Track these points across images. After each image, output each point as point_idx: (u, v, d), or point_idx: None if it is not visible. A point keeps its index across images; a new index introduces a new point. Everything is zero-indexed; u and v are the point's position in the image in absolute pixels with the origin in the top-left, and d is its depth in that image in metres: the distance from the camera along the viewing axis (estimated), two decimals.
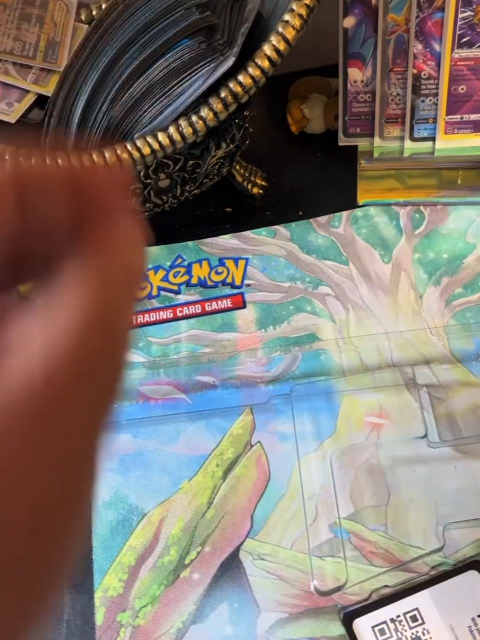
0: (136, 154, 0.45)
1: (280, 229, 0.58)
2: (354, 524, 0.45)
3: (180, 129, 0.46)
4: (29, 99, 0.49)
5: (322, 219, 0.59)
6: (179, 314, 0.55)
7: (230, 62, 0.46)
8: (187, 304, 0.55)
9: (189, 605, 0.44)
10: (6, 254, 0.16)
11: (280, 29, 0.45)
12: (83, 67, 0.47)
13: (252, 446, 0.49)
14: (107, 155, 0.45)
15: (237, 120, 0.51)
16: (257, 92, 0.47)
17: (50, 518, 0.14)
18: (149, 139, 0.46)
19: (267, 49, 0.46)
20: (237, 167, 0.59)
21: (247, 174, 0.61)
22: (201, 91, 0.47)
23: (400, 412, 0.49)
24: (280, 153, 0.65)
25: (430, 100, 0.55)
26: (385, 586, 0.43)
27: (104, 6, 0.53)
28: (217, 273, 0.56)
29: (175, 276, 0.56)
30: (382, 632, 0.40)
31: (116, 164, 0.45)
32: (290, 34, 0.45)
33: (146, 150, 0.46)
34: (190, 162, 0.51)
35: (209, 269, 0.57)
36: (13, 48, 0.49)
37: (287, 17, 0.46)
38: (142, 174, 0.49)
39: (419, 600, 0.41)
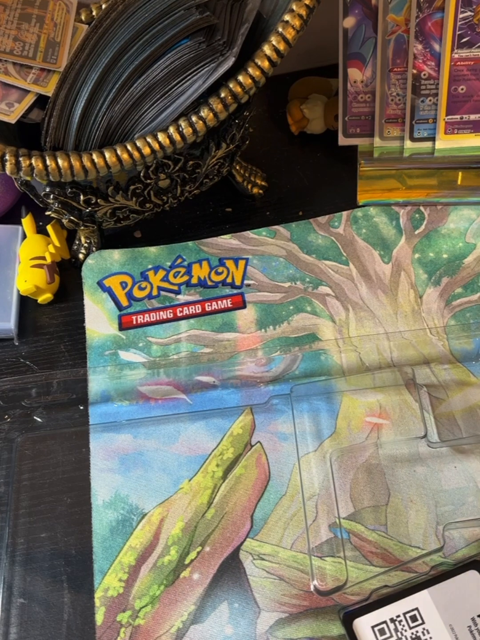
0: (136, 154, 0.45)
1: (280, 229, 0.58)
2: (353, 524, 0.45)
3: (180, 129, 0.46)
4: (29, 99, 0.49)
5: (322, 219, 0.59)
6: (179, 314, 0.55)
7: (230, 62, 0.46)
8: (187, 304, 0.55)
9: (189, 605, 0.44)
10: None
11: (280, 29, 0.45)
12: (83, 67, 0.47)
13: (252, 446, 0.49)
14: (107, 155, 0.45)
15: (237, 121, 0.51)
16: (257, 92, 0.47)
17: None
18: (149, 139, 0.46)
19: (267, 49, 0.46)
20: (237, 167, 0.59)
21: (247, 174, 0.61)
22: (201, 91, 0.47)
23: (400, 412, 0.49)
24: (280, 153, 0.65)
25: (430, 100, 0.55)
26: (385, 586, 0.43)
27: (104, 6, 0.53)
28: (217, 273, 0.56)
29: (175, 276, 0.56)
30: (382, 632, 0.40)
31: (116, 164, 0.45)
32: (290, 34, 0.45)
33: (146, 150, 0.46)
34: (190, 162, 0.51)
35: (209, 269, 0.57)
36: (13, 48, 0.49)
37: (287, 17, 0.46)
38: (142, 174, 0.49)
39: (419, 600, 0.41)
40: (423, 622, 0.40)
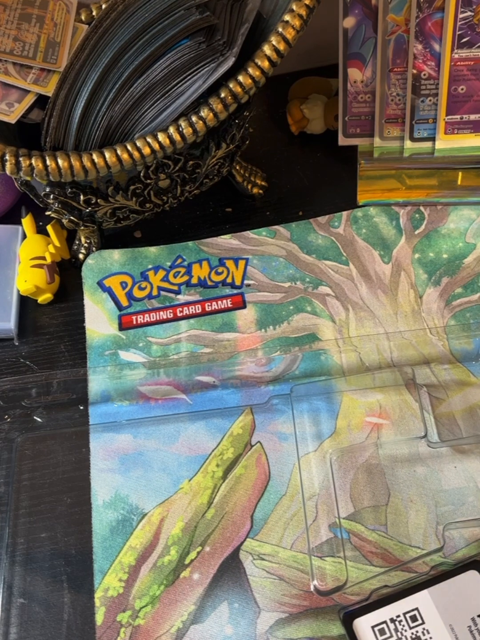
0: (136, 154, 0.45)
1: (280, 229, 0.58)
2: (353, 524, 0.45)
3: (180, 129, 0.46)
4: (29, 99, 0.49)
5: (322, 219, 0.59)
6: (179, 314, 0.55)
7: (230, 62, 0.46)
8: (187, 304, 0.55)
9: (189, 605, 0.44)
10: None
11: (280, 29, 0.45)
12: (83, 67, 0.47)
13: (252, 446, 0.49)
14: (107, 155, 0.45)
15: (237, 121, 0.51)
16: (257, 92, 0.47)
17: None
18: (149, 139, 0.46)
19: (267, 49, 0.46)
20: (237, 167, 0.59)
21: (247, 174, 0.61)
22: (201, 91, 0.47)
23: (400, 412, 0.49)
24: (280, 153, 0.65)
25: (430, 100, 0.55)
26: (385, 586, 0.43)
27: (104, 6, 0.53)
28: (217, 273, 0.56)
29: (175, 276, 0.56)
30: (382, 632, 0.40)
31: (116, 164, 0.45)
32: (290, 34, 0.45)
33: (146, 150, 0.46)
34: (190, 162, 0.51)
35: (209, 269, 0.57)
36: (13, 48, 0.49)
37: (287, 17, 0.46)
38: (142, 174, 0.49)
39: (419, 600, 0.41)
40: (423, 622, 0.40)
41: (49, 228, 0.57)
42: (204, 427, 0.50)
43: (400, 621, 0.40)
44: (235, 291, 0.55)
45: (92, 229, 0.56)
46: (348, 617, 0.41)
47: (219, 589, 0.44)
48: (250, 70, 0.46)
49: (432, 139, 0.57)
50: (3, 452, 0.50)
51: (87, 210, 0.52)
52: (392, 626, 0.40)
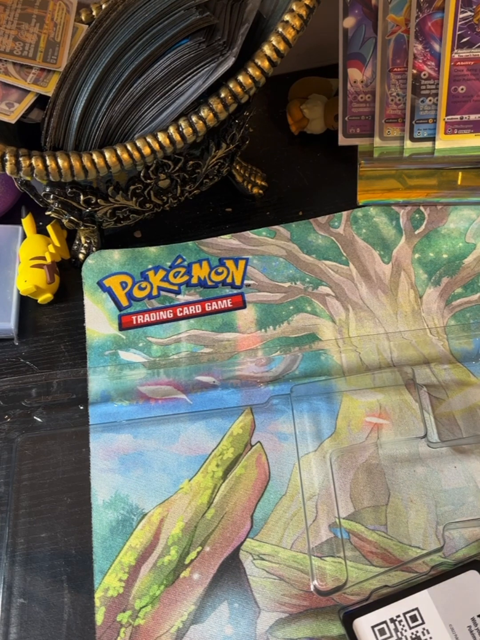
0: (136, 154, 0.45)
1: (280, 229, 0.58)
2: (353, 524, 0.45)
3: (180, 129, 0.46)
4: (29, 99, 0.49)
5: (322, 219, 0.59)
6: (179, 314, 0.55)
7: (230, 62, 0.46)
8: (187, 304, 0.55)
9: (189, 605, 0.44)
10: None
11: (280, 29, 0.45)
12: (83, 67, 0.47)
13: (252, 446, 0.49)
14: (107, 155, 0.45)
15: (237, 121, 0.51)
16: (257, 92, 0.47)
17: None
18: (149, 139, 0.46)
19: (267, 49, 0.46)
20: (237, 168, 0.59)
21: (247, 174, 0.61)
22: (201, 91, 0.47)
23: (400, 412, 0.49)
24: (280, 153, 0.65)
25: (430, 100, 0.55)
26: (385, 586, 0.43)
27: (104, 6, 0.53)
28: (217, 273, 0.56)
29: (175, 276, 0.56)
30: (382, 632, 0.40)
31: (116, 164, 0.45)
32: (290, 34, 0.45)
33: (146, 150, 0.46)
34: (190, 162, 0.51)
35: (209, 269, 0.57)
36: (13, 48, 0.49)
37: (287, 17, 0.46)
38: (142, 174, 0.49)
39: (419, 600, 0.41)
40: (423, 622, 0.40)
41: (49, 228, 0.57)
42: (204, 427, 0.50)
43: (400, 621, 0.40)
44: (235, 291, 0.55)
45: (92, 229, 0.56)
46: (348, 617, 0.41)
47: (219, 589, 0.44)
48: (250, 70, 0.46)
49: (432, 139, 0.57)
50: (3, 452, 0.50)
51: (87, 210, 0.52)
52: (392, 626, 0.40)
